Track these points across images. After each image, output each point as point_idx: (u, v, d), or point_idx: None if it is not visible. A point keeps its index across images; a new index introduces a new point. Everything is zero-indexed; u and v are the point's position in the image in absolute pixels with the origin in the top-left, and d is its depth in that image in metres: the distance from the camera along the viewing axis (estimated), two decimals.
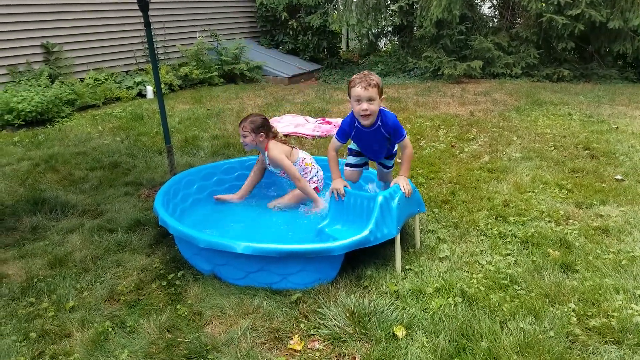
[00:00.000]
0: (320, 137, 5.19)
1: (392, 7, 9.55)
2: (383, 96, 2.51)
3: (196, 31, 9.15)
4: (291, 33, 10.16)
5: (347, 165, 2.84)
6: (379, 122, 2.55)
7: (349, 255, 2.47)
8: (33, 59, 6.64)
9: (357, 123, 2.54)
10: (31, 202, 3.49)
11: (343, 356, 2.00)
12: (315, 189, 3.26)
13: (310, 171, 3.32)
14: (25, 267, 2.68)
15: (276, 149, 3.17)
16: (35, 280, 2.55)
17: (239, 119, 3.97)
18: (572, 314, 2.19)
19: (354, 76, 2.48)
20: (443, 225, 3.09)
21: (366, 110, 2.42)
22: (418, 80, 8.74)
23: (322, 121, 5.70)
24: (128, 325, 2.18)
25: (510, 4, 9.05)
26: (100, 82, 7.08)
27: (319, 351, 2.02)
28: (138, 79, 7.51)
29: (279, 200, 3.30)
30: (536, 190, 3.59)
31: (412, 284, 2.42)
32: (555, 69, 8.39)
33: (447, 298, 2.30)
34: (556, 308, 2.23)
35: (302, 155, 3.33)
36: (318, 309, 2.24)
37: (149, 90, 7.34)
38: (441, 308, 2.23)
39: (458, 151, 4.59)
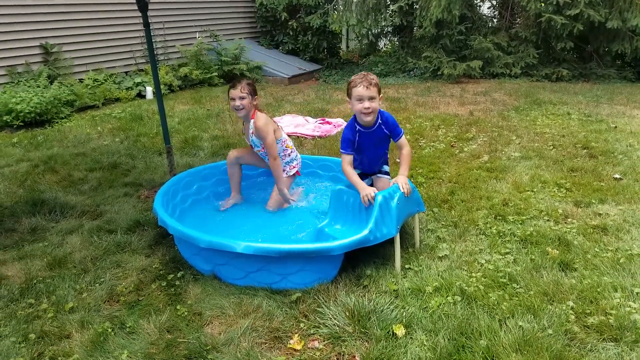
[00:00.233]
0: (320, 137, 5.19)
1: (391, 7, 9.56)
2: (381, 95, 2.58)
3: (196, 31, 9.16)
4: (291, 33, 10.17)
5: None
6: (379, 121, 2.60)
7: (349, 254, 2.48)
8: (32, 60, 6.64)
9: (358, 127, 2.58)
10: (30, 203, 3.49)
11: (343, 355, 2.00)
12: (297, 172, 3.24)
13: (290, 154, 3.27)
14: (24, 269, 2.68)
15: (264, 119, 3.08)
16: (35, 281, 2.55)
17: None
18: (571, 312, 2.19)
19: (354, 77, 2.53)
20: (442, 224, 3.09)
21: (368, 107, 2.48)
22: (418, 80, 8.75)
23: (322, 121, 5.71)
24: (128, 325, 2.19)
25: (509, 4, 9.06)
26: (99, 82, 7.08)
27: (319, 350, 2.02)
28: (137, 80, 7.51)
29: (269, 203, 3.29)
30: (535, 190, 3.60)
31: (411, 283, 2.42)
32: (554, 68, 8.40)
33: (447, 297, 2.30)
34: (555, 306, 2.23)
35: (285, 136, 3.29)
36: (318, 309, 2.24)
37: (149, 90, 7.34)
38: (440, 307, 2.24)
39: (457, 151, 4.60)
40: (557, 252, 2.70)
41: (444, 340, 2.03)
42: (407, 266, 2.58)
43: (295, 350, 2.03)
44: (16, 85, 6.19)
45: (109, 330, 2.16)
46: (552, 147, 4.61)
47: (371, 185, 2.77)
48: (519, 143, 4.77)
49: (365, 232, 2.41)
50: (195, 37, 8.95)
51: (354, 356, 1.98)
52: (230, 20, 10.07)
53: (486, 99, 6.90)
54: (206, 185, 3.48)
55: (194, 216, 3.19)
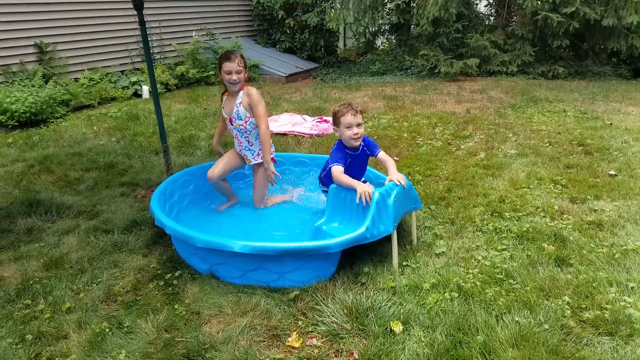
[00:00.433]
0: (317, 135, 5.20)
1: (389, 5, 9.57)
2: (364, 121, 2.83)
3: (192, 30, 9.13)
4: (288, 32, 10.15)
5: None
6: (362, 144, 2.81)
7: (347, 252, 2.48)
8: (26, 59, 6.61)
9: (346, 149, 2.77)
10: (26, 203, 3.48)
11: (341, 352, 2.01)
12: (273, 159, 3.13)
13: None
14: (20, 269, 2.67)
15: (255, 89, 3.01)
16: (31, 282, 2.55)
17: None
18: (567, 307, 2.21)
19: (339, 108, 2.74)
20: (439, 221, 3.10)
21: (357, 133, 2.70)
22: (415, 78, 8.76)
23: (319, 120, 5.71)
24: (125, 325, 2.18)
25: (506, 2, 9.08)
26: (95, 82, 7.05)
27: (317, 348, 2.03)
28: (133, 79, 7.48)
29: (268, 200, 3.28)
30: (531, 186, 3.61)
31: (409, 279, 2.43)
32: (551, 66, 8.42)
33: (444, 293, 2.31)
34: (551, 301, 2.25)
35: None
36: (316, 306, 2.25)
37: (145, 89, 7.31)
38: (438, 303, 2.24)
39: (454, 148, 4.61)
40: (553, 248, 2.72)
41: (442, 336, 2.04)
42: (404, 263, 2.59)
43: (293, 348, 2.04)
44: (11, 85, 6.15)
45: (107, 330, 2.15)
46: (548, 144, 4.63)
47: None
48: (516, 140, 4.79)
49: (362, 229, 2.42)
50: (192, 36, 8.92)
51: (352, 353, 1.99)
52: (227, 19, 10.05)
53: (483, 96, 6.92)
54: (203, 185, 3.48)
55: (192, 215, 3.19)
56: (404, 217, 2.78)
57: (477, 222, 3.06)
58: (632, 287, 2.32)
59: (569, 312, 2.17)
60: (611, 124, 5.24)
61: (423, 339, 2.03)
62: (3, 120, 5.56)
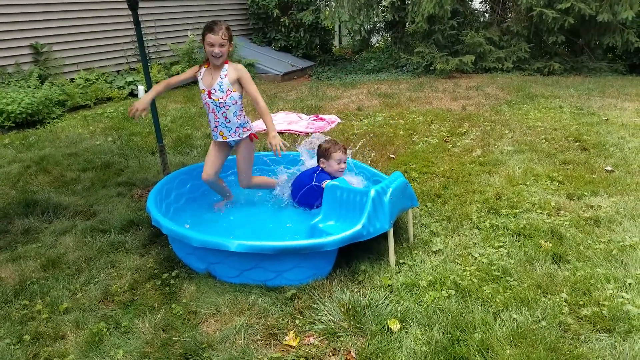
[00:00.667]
0: (313, 133, 5.18)
1: (384, 2, 9.55)
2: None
3: (187, 29, 9.10)
4: (283, 30, 10.13)
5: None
6: None
7: (343, 250, 2.49)
8: (22, 60, 6.58)
9: (329, 176, 3.15)
10: (23, 204, 3.47)
11: (338, 351, 2.01)
12: (255, 135, 3.14)
13: (245, 115, 3.10)
14: (18, 270, 2.67)
15: (242, 65, 3.00)
16: (28, 282, 2.54)
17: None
18: (564, 303, 2.21)
19: (329, 145, 3.12)
20: (436, 219, 3.10)
21: (344, 168, 3.15)
22: (410, 75, 8.76)
23: (315, 118, 5.70)
24: (123, 325, 2.18)
25: None
26: (91, 82, 7.03)
27: (315, 346, 2.03)
28: (129, 79, 7.46)
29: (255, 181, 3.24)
30: (528, 183, 3.62)
31: (406, 277, 2.43)
32: (546, 62, 8.43)
33: (441, 291, 2.32)
34: (548, 298, 2.25)
35: None
36: (313, 305, 2.25)
37: (141, 89, 7.29)
38: (435, 301, 2.25)
39: (450, 145, 4.61)
40: (550, 244, 2.72)
41: (439, 334, 2.04)
42: (401, 261, 2.59)
43: (290, 346, 2.04)
44: (7, 86, 6.12)
45: (104, 330, 2.15)
46: (544, 140, 4.64)
47: None
48: (512, 137, 4.79)
49: (358, 227, 2.42)
50: (187, 35, 8.89)
51: (350, 351, 1.99)
52: (222, 18, 10.00)
53: (479, 93, 6.92)
54: (200, 184, 3.47)
55: (188, 215, 3.18)
56: (400, 214, 2.78)
57: (473, 219, 3.07)
58: (629, 284, 2.33)
59: (566, 309, 2.18)
60: (607, 119, 5.26)
61: (420, 337, 2.03)
62: None
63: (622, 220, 2.99)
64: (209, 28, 2.85)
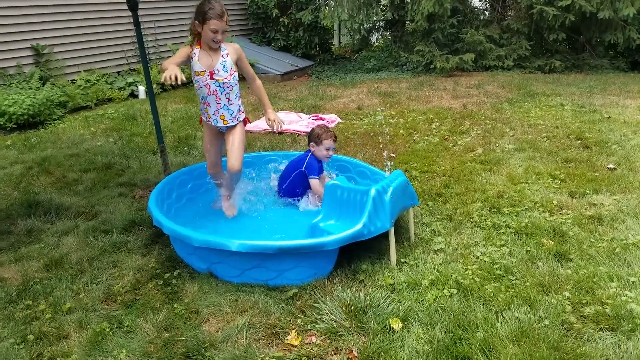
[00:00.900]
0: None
1: (383, 1, 9.54)
2: None
3: (187, 30, 9.09)
4: (283, 30, 10.13)
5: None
6: None
7: (344, 249, 2.49)
8: (23, 62, 6.59)
9: (318, 161, 3.33)
10: (25, 205, 3.48)
11: (340, 350, 2.01)
12: (247, 119, 3.15)
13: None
14: (21, 270, 2.67)
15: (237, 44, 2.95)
16: (32, 282, 2.55)
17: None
18: (567, 302, 2.21)
19: (322, 131, 3.28)
20: (437, 217, 3.10)
21: (331, 154, 3.34)
22: (410, 74, 8.75)
23: (315, 117, 5.70)
24: (125, 325, 2.19)
25: None
26: (91, 83, 7.03)
27: (316, 346, 2.03)
28: (130, 79, 7.46)
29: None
30: (529, 181, 3.61)
31: (407, 276, 2.43)
32: (547, 60, 8.42)
33: (443, 290, 2.32)
34: (551, 297, 2.25)
35: None
36: (314, 304, 2.25)
37: (141, 90, 7.30)
38: (437, 300, 2.25)
39: (451, 144, 4.61)
40: (553, 243, 2.72)
41: (441, 333, 2.04)
42: (402, 260, 2.59)
43: (292, 346, 2.04)
44: (8, 88, 6.13)
45: (107, 329, 2.16)
46: (545, 138, 4.63)
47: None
48: (513, 135, 4.79)
49: (359, 226, 2.42)
50: (187, 36, 8.90)
51: (352, 351, 1.99)
52: None
53: (479, 91, 6.91)
54: (200, 184, 3.48)
55: (189, 214, 3.18)
56: (401, 213, 2.78)
57: (475, 218, 3.06)
58: (633, 282, 2.32)
59: (569, 307, 2.17)
60: (609, 117, 5.24)
61: (422, 336, 2.03)
62: (1, 123, 5.54)
63: (625, 218, 2.98)
64: (217, 15, 2.69)
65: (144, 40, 3.73)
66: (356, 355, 1.96)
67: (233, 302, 2.31)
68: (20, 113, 5.56)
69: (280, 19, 9.94)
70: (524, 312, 2.13)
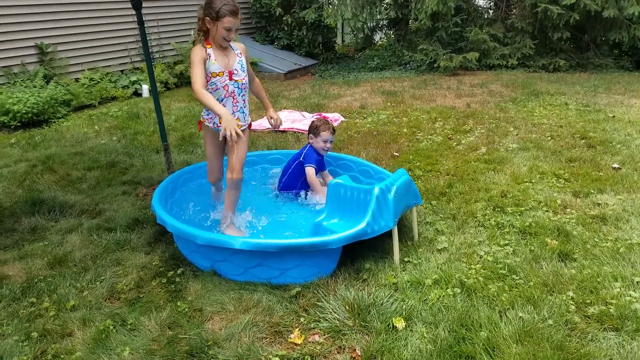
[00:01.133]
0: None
1: (386, 0, 9.52)
2: None
3: (191, 28, 9.11)
4: (286, 28, 10.12)
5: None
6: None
7: (348, 248, 2.48)
8: (27, 60, 6.61)
9: (317, 154, 3.36)
10: (29, 203, 3.49)
11: (343, 349, 2.01)
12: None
13: None
14: (25, 268, 2.69)
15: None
16: (36, 280, 2.56)
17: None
18: (571, 302, 2.20)
19: (321, 123, 3.33)
20: (441, 217, 3.09)
21: (330, 147, 3.39)
22: (414, 73, 8.73)
23: (318, 116, 5.69)
24: (129, 322, 2.19)
25: None
26: (95, 81, 7.05)
27: (320, 344, 2.03)
28: (133, 78, 7.48)
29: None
30: (533, 181, 3.60)
31: (410, 275, 2.43)
32: (551, 59, 8.38)
33: (446, 289, 2.31)
34: (555, 297, 2.24)
35: None
36: (318, 303, 2.25)
37: (145, 88, 7.31)
38: (440, 299, 2.24)
39: (455, 143, 4.59)
40: (557, 242, 2.71)
41: (444, 332, 2.04)
42: (406, 259, 2.59)
43: (295, 344, 2.04)
44: (12, 86, 6.16)
45: (111, 327, 2.16)
46: (550, 137, 4.61)
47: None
48: (517, 134, 4.77)
49: (363, 225, 2.42)
50: (190, 34, 8.90)
51: (355, 349, 1.99)
52: None
53: (483, 90, 6.89)
54: (204, 182, 3.48)
55: (193, 213, 3.19)
56: (405, 212, 2.77)
57: (478, 217, 3.05)
58: (637, 282, 2.31)
59: (573, 307, 2.17)
60: (614, 116, 5.22)
61: (426, 335, 2.03)
62: (6, 121, 5.57)
63: (630, 218, 2.96)
64: (232, 11, 2.52)
65: (148, 39, 3.72)
66: (359, 354, 1.96)
67: (236, 301, 2.31)
68: (24, 111, 5.58)
69: (284, 18, 9.94)
70: (528, 312, 2.13)
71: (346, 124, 5.41)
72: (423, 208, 3.19)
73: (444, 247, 2.71)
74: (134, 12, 3.48)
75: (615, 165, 3.83)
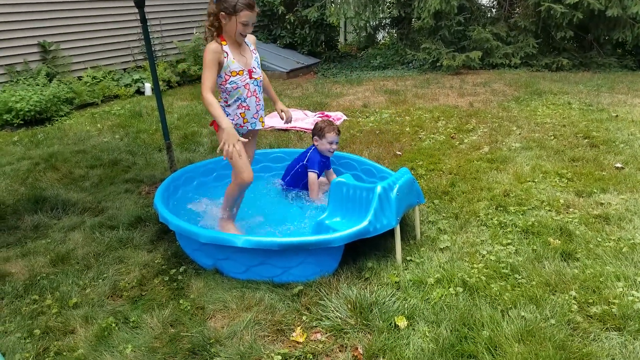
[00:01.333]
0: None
1: None
2: None
3: (193, 27, 9.11)
4: (289, 27, 10.11)
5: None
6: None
7: (350, 247, 2.48)
8: (30, 58, 6.62)
9: (321, 156, 3.35)
10: (32, 200, 3.50)
11: (345, 347, 2.01)
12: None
13: None
14: (27, 265, 2.69)
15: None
16: (38, 277, 2.57)
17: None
18: (573, 301, 2.20)
19: (325, 125, 3.29)
20: (443, 216, 3.09)
21: (335, 149, 3.35)
22: (417, 72, 8.71)
23: (321, 115, 5.69)
24: (131, 320, 2.20)
25: None
26: (98, 80, 7.07)
27: (322, 342, 2.03)
28: (136, 76, 7.49)
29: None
30: (536, 180, 3.59)
31: (413, 274, 2.42)
32: (554, 58, 8.35)
33: (448, 288, 2.31)
34: (557, 296, 2.24)
35: None
36: (320, 301, 2.25)
37: (147, 87, 7.32)
38: (442, 298, 2.24)
39: (457, 142, 4.59)
40: (559, 242, 2.70)
41: (446, 331, 2.03)
42: (408, 258, 2.58)
43: (297, 342, 2.04)
44: (15, 84, 6.18)
45: (113, 325, 2.17)
46: (553, 137, 4.60)
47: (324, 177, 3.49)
48: (520, 134, 4.76)
49: (365, 223, 2.41)
50: (193, 33, 8.91)
51: (357, 348, 1.99)
52: None
53: (486, 89, 6.87)
54: (206, 181, 3.49)
55: (195, 211, 3.19)
56: (407, 211, 2.77)
57: (481, 216, 3.05)
58: None
59: (575, 307, 2.16)
60: (617, 116, 5.20)
61: (428, 334, 2.02)
62: (8, 119, 5.59)
63: (633, 218, 2.95)
64: (249, 4, 2.40)
65: (150, 37, 3.73)
66: (361, 352, 1.96)
67: (238, 299, 2.31)
68: (27, 109, 5.60)
69: (286, 16, 9.93)
70: (530, 311, 2.12)
71: (349, 123, 5.41)
72: (425, 207, 3.18)
73: (447, 246, 2.71)
74: (136, 10, 3.49)
75: (619, 165, 3.81)
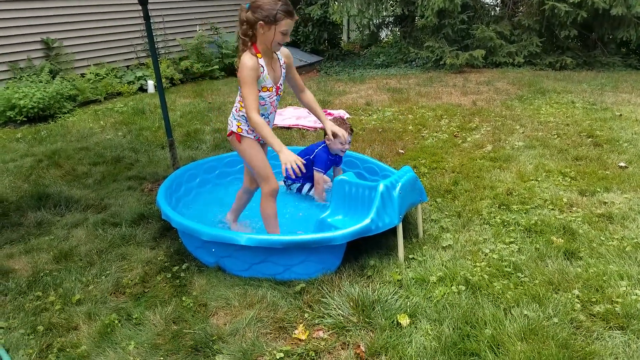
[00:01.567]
0: (322, 129, 5.17)
1: None
2: None
3: (196, 24, 9.11)
4: None
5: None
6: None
7: (352, 245, 2.48)
8: (33, 55, 6.64)
9: (330, 155, 3.33)
10: (35, 197, 3.51)
11: (348, 345, 2.01)
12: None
13: None
14: (31, 262, 2.70)
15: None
16: (42, 274, 2.57)
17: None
18: (576, 300, 2.19)
19: (336, 123, 3.14)
20: (446, 214, 3.09)
21: (347, 148, 3.33)
22: (420, 70, 8.69)
23: (329, 116, 5.68)
24: (134, 317, 2.20)
25: None
26: (101, 77, 7.08)
27: (324, 340, 2.03)
28: (139, 74, 7.49)
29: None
30: (539, 179, 3.58)
31: (415, 273, 2.42)
32: (558, 57, 8.32)
33: (451, 286, 2.31)
34: (560, 295, 2.23)
35: None
36: (322, 299, 2.25)
37: (150, 84, 7.32)
38: (445, 296, 2.24)
39: (460, 141, 4.58)
40: (562, 241, 2.69)
41: (449, 329, 2.03)
42: (410, 256, 2.58)
43: (300, 340, 2.04)
44: (19, 81, 6.19)
45: (116, 321, 2.17)
46: (556, 136, 4.58)
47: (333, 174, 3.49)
48: (523, 132, 4.74)
49: (367, 221, 2.41)
50: (196, 30, 8.90)
51: (359, 346, 1.99)
52: (231, 13, 10.00)
53: (489, 88, 6.85)
54: (209, 178, 3.49)
55: (198, 208, 3.19)
56: (410, 209, 2.77)
57: (484, 215, 3.04)
58: None
59: (578, 305, 2.16)
60: (621, 115, 5.18)
61: (430, 332, 2.02)
62: (12, 116, 5.60)
63: (636, 217, 2.95)
64: (289, 12, 2.28)
65: (153, 34, 3.73)
66: (363, 350, 1.96)
67: (241, 296, 2.31)
68: (30, 106, 5.61)
69: None
70: (533, 310, 2.12)
71: (351, 121, 5.40)
72: (428, 205, 3.18)
73: (449, 244, 2.71)
74: (139, 8, 3.48)
75: (622, 164, 3.80)
